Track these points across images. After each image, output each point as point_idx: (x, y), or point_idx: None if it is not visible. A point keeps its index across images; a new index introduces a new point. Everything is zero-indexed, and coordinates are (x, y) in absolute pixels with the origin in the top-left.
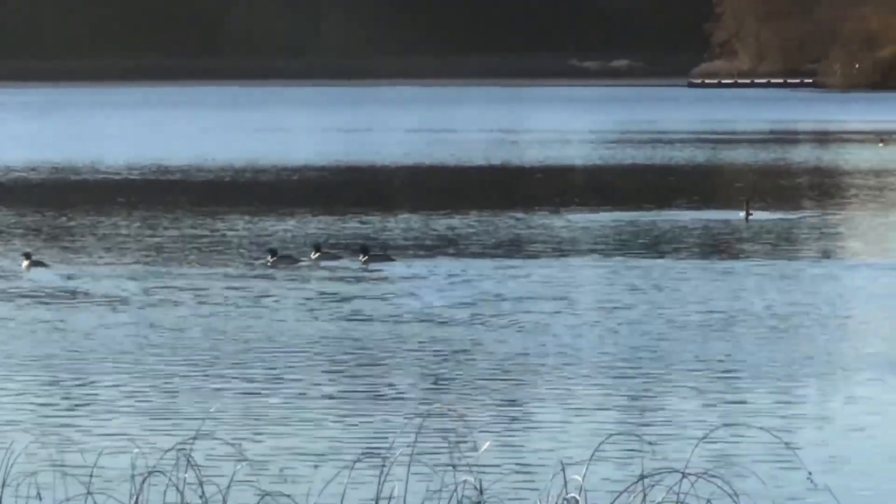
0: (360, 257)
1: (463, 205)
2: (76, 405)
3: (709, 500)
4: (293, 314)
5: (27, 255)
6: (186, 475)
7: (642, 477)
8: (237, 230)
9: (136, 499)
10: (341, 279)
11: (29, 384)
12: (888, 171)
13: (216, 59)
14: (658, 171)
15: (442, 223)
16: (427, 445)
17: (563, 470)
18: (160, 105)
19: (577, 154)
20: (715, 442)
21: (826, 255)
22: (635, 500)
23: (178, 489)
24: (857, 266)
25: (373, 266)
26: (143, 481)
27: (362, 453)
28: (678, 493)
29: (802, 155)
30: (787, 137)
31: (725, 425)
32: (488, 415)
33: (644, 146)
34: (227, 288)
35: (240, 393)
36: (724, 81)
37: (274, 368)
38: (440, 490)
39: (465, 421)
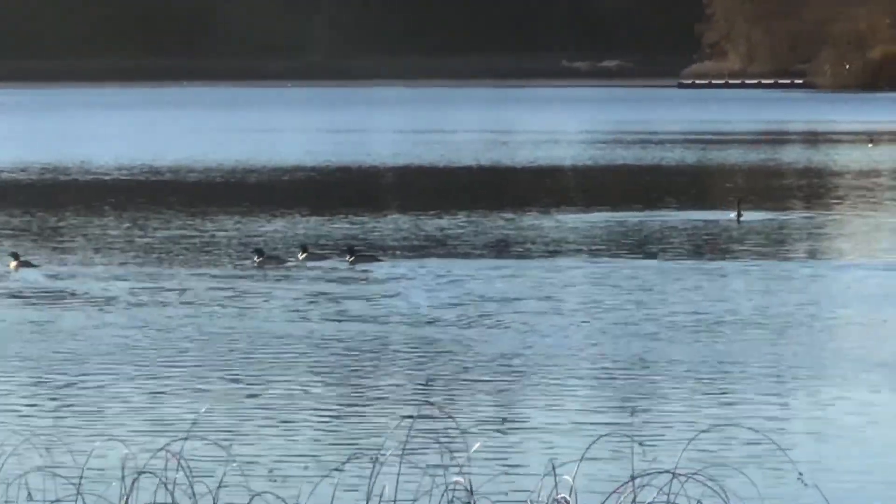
0: (347, 258)
1: (452, 205)
2: (65, 406)
3: (699, 501)
4: (281, 315)
5: (15, 256)
6: (176, 476)
7: (633, 477)
8: (226, 231)
9: (126, 499)
10: (329, 280)
11: (17, 385)
12: (878, 172)
13: (206, 59)
14: (649, 171)
15: (431, 224)
16: (417, 446)
17: (554, 470)
18: (150, 105)
19: (567, 154)
20: (705, 442)
21: (816, 255)
22: (626, 501)
23: (168, 489)
24: (847, 266)
25: (360, 267)
26: (134, 482)
27: (352, 454)
28: (668, 494)
29: (792, 155)
30: (778, 138)
31: (715, 426)
32: (478, 415)
33: (635, 147)
34: (216, 288)
35: (229, 393)
36: (714, 82)
37: (263, 369)
38: (430, 491)
39: (454, 421)
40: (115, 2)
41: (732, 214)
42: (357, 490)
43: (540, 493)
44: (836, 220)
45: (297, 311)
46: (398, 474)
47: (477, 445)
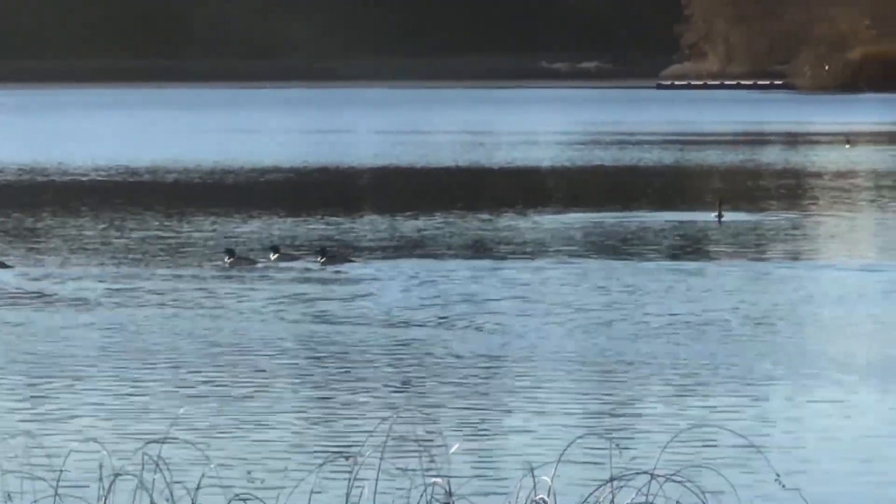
0: (318, 259)
1: (429, 206)
2: (41, 407)
3: (677, 502)
4: (256, 316)
5: None
6: (154, 477)
7: (611, 478)
8: (202, 231)
9: (105, 501)
10: (303, 281)
11: None
12: (854, 173)
13: (185, 60)
14: (627, 172)
15: (408, 225)
16: (395, 447)
17: (532, 471)
18: (129, 106)
19: (545, 155)
20: (684, 443)
21: (794, 256)
22: (604, 502)
23: (146, 491)
24: (824, 267)
25: (331, 268)
26: (112, 483)
27: (330, 455)
28: (647, 495)
29: (771, 156)
30: (756, 139)
31: (694, 427)
32: (457, 416)
33: (613, 148)
34: (192, 289)
35: (206, 395)
36: (693, 83)
37: (240, 370)
38: (409, 492)
39: (433, 422)
40: (94, 3)
41: (713, 215)
42: (335, 491)
43: (518, 494)
44: (813, 220)
45: (272, 312)
46: (377, 476)
47: (455, 447)
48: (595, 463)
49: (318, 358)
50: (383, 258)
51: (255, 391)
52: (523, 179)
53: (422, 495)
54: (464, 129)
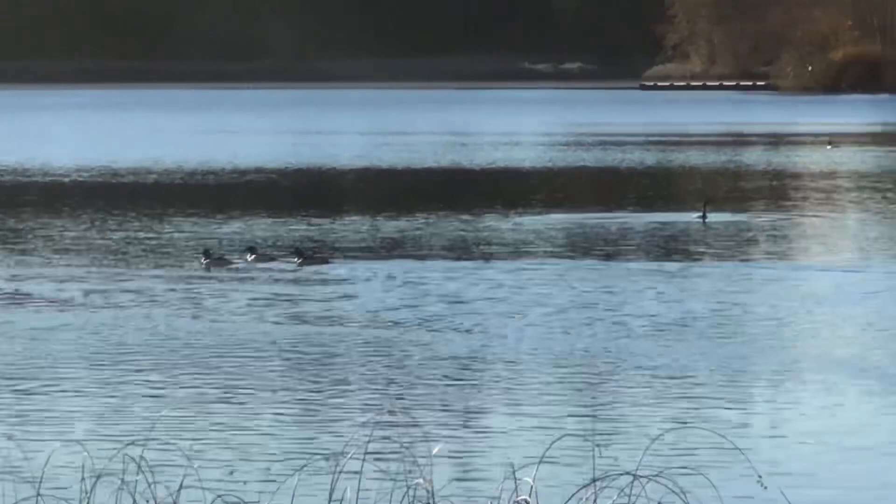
0: (295, 260)
1: (411, 207)
2: (22, 408)
3: (660, 503)
4: (236, 317)
5: None
6: (137, 478)
7: (594, 479)
8: (183, 232)
9: (87, 502)
10: (280, 281)
11: None
12: (836, 174)
13: (166, 61)
14: (610, 173)
15: (389, 225)
16: (378, 449)
17: (514, 472)
18: (110, 107)
19: (527, 156)
20: (666, 444)
21: (778, 257)
22: (587, 503)
23: (128, 492)
24: (808, 268)
25: (308, 269)
26: (94, 484)
27: (313, 456)
28: (630, 496)
29: (753, 157)
30: (739, 140)
31: (677, 427)
32: (439, 417)
33: (595, 148)
34: (173, 290)
35: (188, 396)
36: (676, 84)
37: (221, 371)
38: (391, 493)
39: (415, 423)
40: (75, 4)
41: (696, 215)
42: (318, 493)
43: (500, 495)
44: (796, 221)
45: (251, 313)
46: (359, 477)
47: (438, 448)
48: (577, 464)
49: (299, 359)
50: (362, 259)
51: (236, 392)
52: (505, 180)
53: (404, 496)
54: (446, 130)
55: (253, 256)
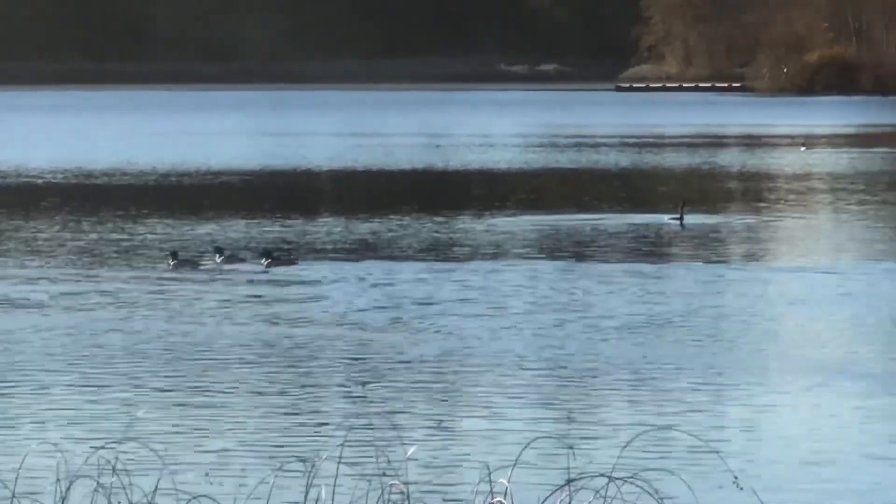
0: (263, 261)
1: (386, 209)
2: None
3: None
4: (209, 318)
5: None
6: (112, 480)
7: (569, 481)
8: (157, 234)
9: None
10: (249, 283)
11: None
12: (810, 176)
13: (141, 62)
14: (585, 174)
15: (363, 227)
16: (352, 450)
17: (489, 474)
18: (85, 109)
19: (502, 158)
20: (641, 446)
21: (751, 258)
22: None
23: (104, 494)
24: (783, 270)
25: (276, 270)
26: (69, 487)
27: (288, 458)
28: (605, 497)
29: (728, 159)
30: (714, 141)
31: (652, 429)
32: (413, 419)
33: (570, 150)
34: (142, 292)
35: (162, 397)
36: (652, 85)
37: (194, 373)
38: (366, 495)
39: (391, 424)
40: (49, 4)
41: (667, 217)
42: (293, 494)
43: (476, 496)
44: (770, 223)
45: (221, 315)
46: (334, 478)
47: (412, 449)
48: (552, 465)
49: (271, 361)
50: (333, 260)
51: (210, 394)
52: (480, 182)
53: (379, 498)
54: (421, 132)
55: (221, 258)
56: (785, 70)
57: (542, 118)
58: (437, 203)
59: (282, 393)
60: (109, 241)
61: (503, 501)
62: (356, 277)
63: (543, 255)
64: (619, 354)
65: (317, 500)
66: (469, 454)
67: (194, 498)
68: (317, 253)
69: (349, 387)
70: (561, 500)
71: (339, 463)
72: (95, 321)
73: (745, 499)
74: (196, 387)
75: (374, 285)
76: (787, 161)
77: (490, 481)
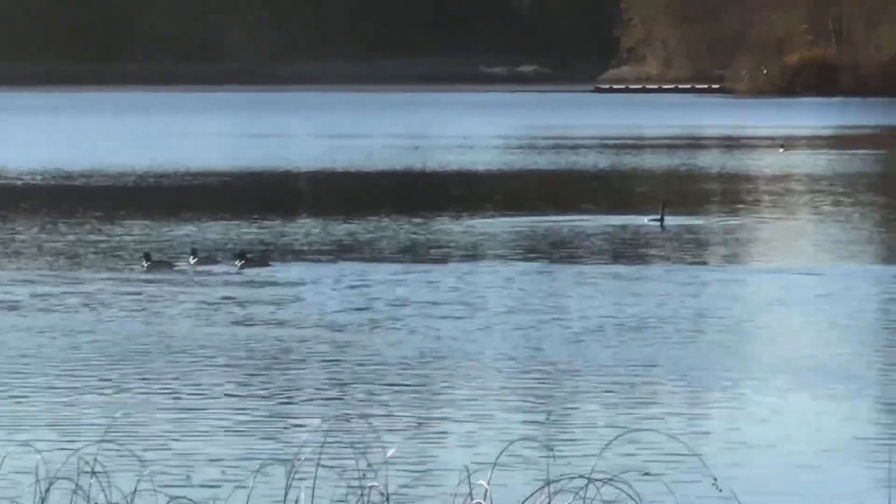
0: (236, 262)
1: (365, 210)
2: None
3: None
4: (186, 319)
5: None
6: (91, 481)
7: (548, 482)
8: (135, 236)
9: None
10: (225, 284)
11: None
12: (789, 177)
13: (123, 63)
14: (565, 176)
15: (341, 228)
16: (332, 451)
17: (469, 476)
18: (65, 110)
19: (481, 159)
20: (621, 447)
21: (733, 260)
22: None
23: (83, 496)
24: (763, 271)
25: (250, 272)
26: (48, 488)
27: (267, 459)
28: (584, 499)
29: (707, 160)
30: (693, 143)
31: (632, 431)
32: (392, 421)
33: (549, 152)
34: (120, 294)
35: (141, 399)
36: (631, 87)
37: (172, 375)
38: (346, 496)
39: (369, 427)
40: (31, 5)
41: (653, 218)
42: (273, 495)
43: (455, 498)
44: (749, 225)
45: (200, 317)
46: (314, 480)
47: (392, 451)
48: (532, 467)
49: (249, 363)
50: (309, 262)
51: (189, 396)
52: (459, 183)
53: (358, 500)
54: (401, 133)
55: (195, 259)
56: (765, 71)
57: (522, 120)
58: (415, 204)
59: (260, 394)
60: (87, 242)
61: (482, 503)
62: (332, 279)
63: (522, 257)
64: (598, 356)
65: (296, 502)
66: (448, 456)
67: (173, 499)
68: (294, 254)
69: (327, 388)
70: (540, 502)
71: (318, 465)
72: (71, 323)
73: (725, 501)
74: (174, 388)
75: (351, 286)
76: (766, 163)
77: (469, 483)
